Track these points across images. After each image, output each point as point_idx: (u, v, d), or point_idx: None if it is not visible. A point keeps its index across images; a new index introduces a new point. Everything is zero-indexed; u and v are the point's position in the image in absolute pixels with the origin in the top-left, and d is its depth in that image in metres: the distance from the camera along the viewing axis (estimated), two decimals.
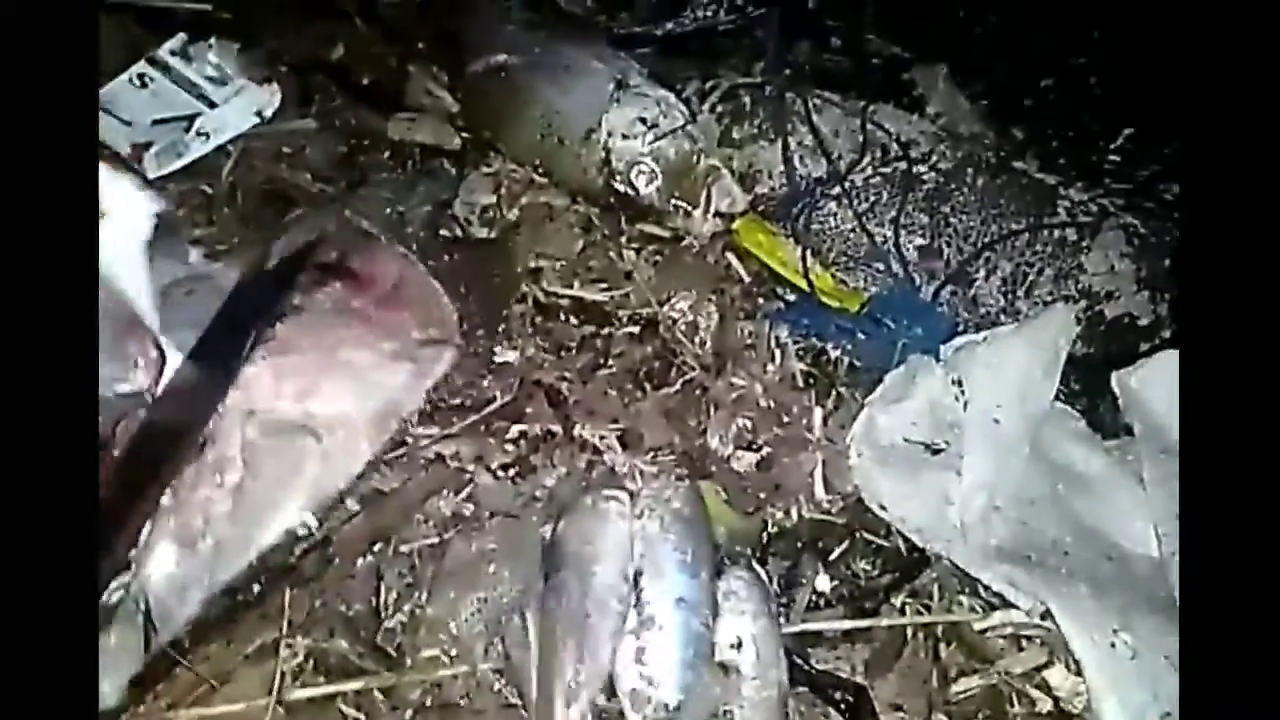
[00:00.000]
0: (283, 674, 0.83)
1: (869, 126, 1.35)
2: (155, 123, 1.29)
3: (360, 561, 0.91)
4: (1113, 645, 0.85)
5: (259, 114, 1.35)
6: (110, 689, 0.78)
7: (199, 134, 1.30)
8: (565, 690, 0.81)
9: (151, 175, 1.26)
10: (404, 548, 0.93)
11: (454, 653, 0.87)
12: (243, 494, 0.87)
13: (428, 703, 0.86)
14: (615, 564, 0.88)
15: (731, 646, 0.86)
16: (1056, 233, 1.29)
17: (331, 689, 0.83)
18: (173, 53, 1.34)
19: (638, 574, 0.89)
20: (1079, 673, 0.89)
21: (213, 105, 1.32)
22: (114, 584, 0.82)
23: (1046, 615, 0.91)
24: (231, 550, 0.86)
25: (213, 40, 1.37)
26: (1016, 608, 0.92)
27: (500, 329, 1.17)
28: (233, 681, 0.82)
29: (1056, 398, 1.15)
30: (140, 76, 1.31)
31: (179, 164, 1.28)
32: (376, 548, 0.92)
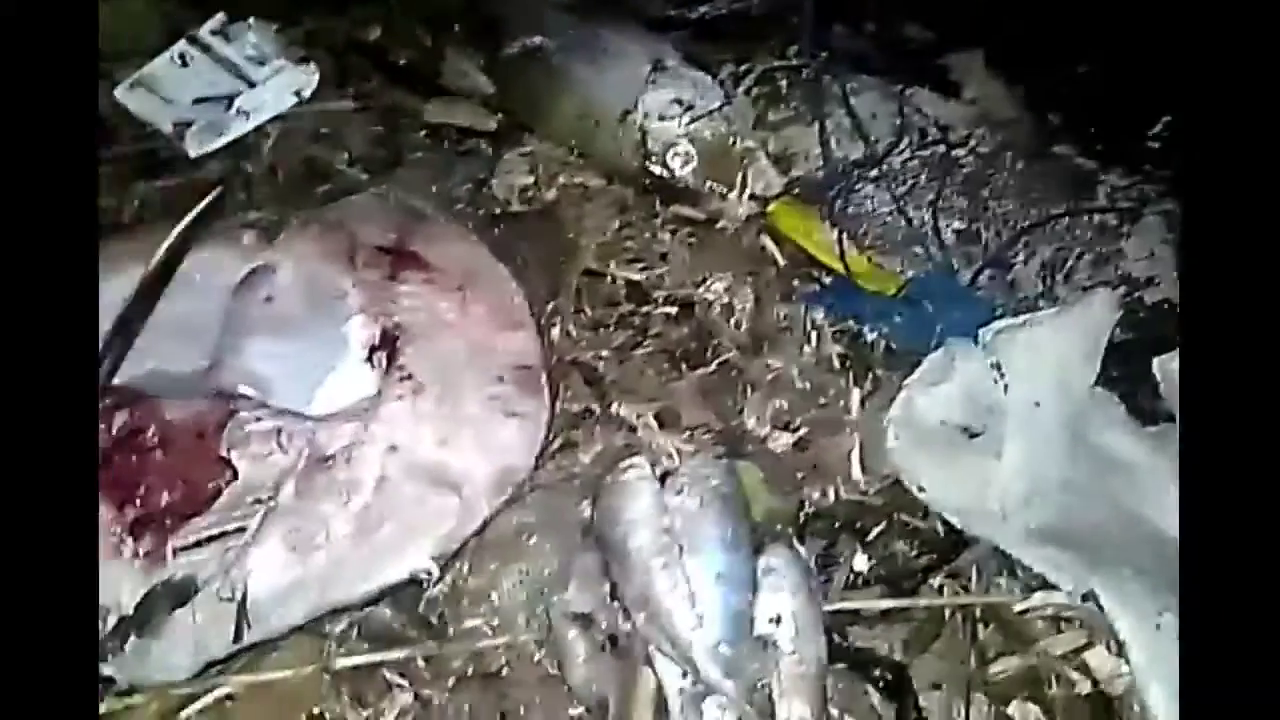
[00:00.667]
0: (330, 641, 0.85)
1: (906, 110, 1.34)
2: (196, 101, 1.31)
3: None
4: (1157, 626, 0.84)
5: (297, 94, 1.37)
6: (180, 663, 0.79)
7: (239, 113, 1.32)
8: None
9: (193, 153, 1.28)
10: None
11: (495, 623, 0.88)
12: (368, 524, 0.88)
13: (469, 672, 0.87)
14: (647, 530, 0.88)
15: (770, 621, 0.86)
16: (1096, 218, 1.28)
17: (377, 657, 0.84)
18: (213, 32, 1.35)
19: (680, 547, 0.89)
20: (1120, 654, 0.88)
21: (252, 85, 1.34)
22: (194, 557, 0.83)
23: (1087, 597, 0.90)
24: (349, 574, 0.86)
25: (251, 20, 1.38)
26: (1057, 589, 0.92)
27: (560, 296, 1.17)
28: (280, 649, 0.83)
29: (1097, 384, 1.14)
30: (181, 55, 1.33)
31: (220, 142, 1.30)
32: None
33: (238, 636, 0.81)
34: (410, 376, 0.96)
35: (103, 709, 0.78)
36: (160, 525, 0.86)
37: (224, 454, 0.89)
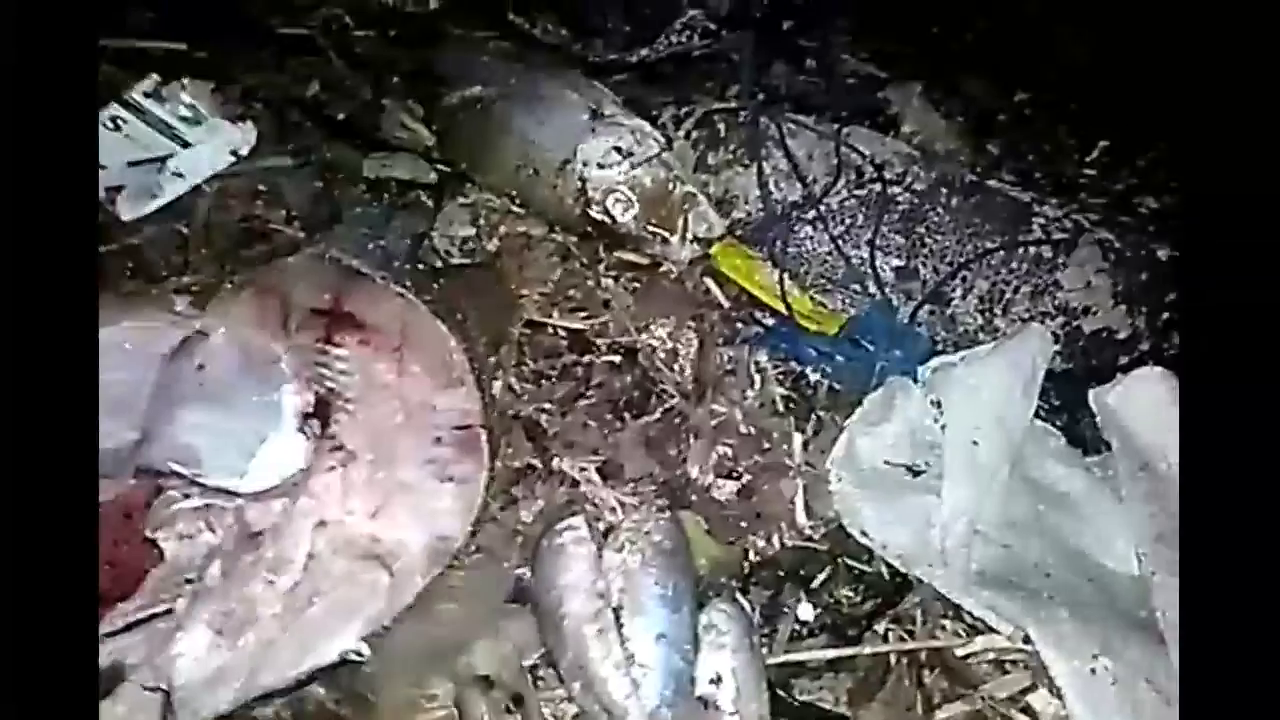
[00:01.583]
0: None
1: (843, 149, 1.35)
2: (130, 165, 1.29)
3: None
4: (1093, 671, 0.85)
5: (234, 152, 1.35)
6: None
7: (174, 174, 1.30)
8: None
9: (125, 217, 1.26)
10: None
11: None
12: (297, 603, 0.86)
13: None
14: (581, 596, 0.88)
15: (711, 682, 0.86)
16: (1032, 250, 1.29)
17: None
18: (145, 94, 1.33)
19: (618, 610, 0.88)
20: (1062, 697, 0.88)
21: (187, 145, 1.32)
22: (126, 642, 0.81)
23: (1027, 640, 0.91)
24: (279, 656, 0.84)
25: (185, 80, 1.37)
26: (999, 633, 0.92)
27: (501, 350, 1.17)
28: None
29: (1036, 414, 1.15)
30: (113, 119, 1.31)
31: (154, 205, 1.28)
32: None
33: None
34: (341, 447, 0.94)
35: None
36: None
37: (150, 535, 0.87)
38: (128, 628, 0.84)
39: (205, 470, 0.93)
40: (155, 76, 1.34)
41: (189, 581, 0.86)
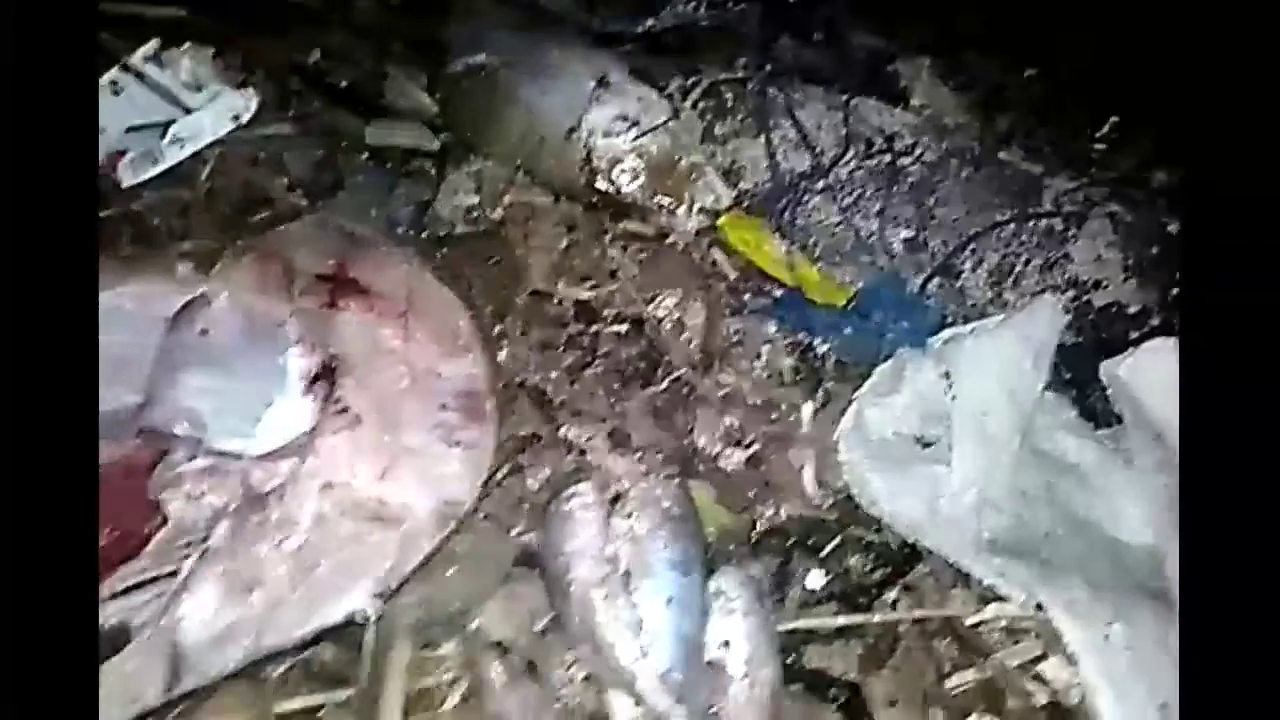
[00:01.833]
0: (268, 685, 0.82)
1: (852, 120, 1.34)
2: (130, 130, 1.27)
3: None
4: (1106, 638, 0.84)
5: (235, 119, 1.33)
6: (117, 714, 0.76)
7: (174, 140, 1.28)
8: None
9: (126, 183, 1.24)
10: None
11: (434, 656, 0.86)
12: (304, 563, 0.85)
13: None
14: (588, 560, 0.87)
15: (720, 646, 0.85)
16: (1043, 223, 1.28)
17: (320, 698, 0.82)
18: (146, 59, 1.31)
19: (627, 574, 0.87)
20: (1075, 664, 0.88)
21: (188, 111, 1.30)
22: (131, 602, 0.80)
23: (1038, 608, 0.90)
24: (287, 616, 0.83)
25: (187, 46, 1.35)
26: (1010, 601, 0.91)
27: (508, 317, 1.15)
28: (218, 695, 0.80)
29: (1047, 387, 1.14)
30: (114, 84, 1.29)
31: (154, 171, 1.26)
32: None
33: (171, 685, 0.78)
34: (347, 410, 0.93)
35: None
36: None
37: (155, 496, 0.86)
38: (133, 588, 0.83)
39: (210, 433, 0.92)
40: (156, 41, 1.32)
41: (193, 544, 0.84)
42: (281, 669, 0.83)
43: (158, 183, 1.26)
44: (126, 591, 0.82)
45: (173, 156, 1.27)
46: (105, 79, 1.29)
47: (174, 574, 0.83)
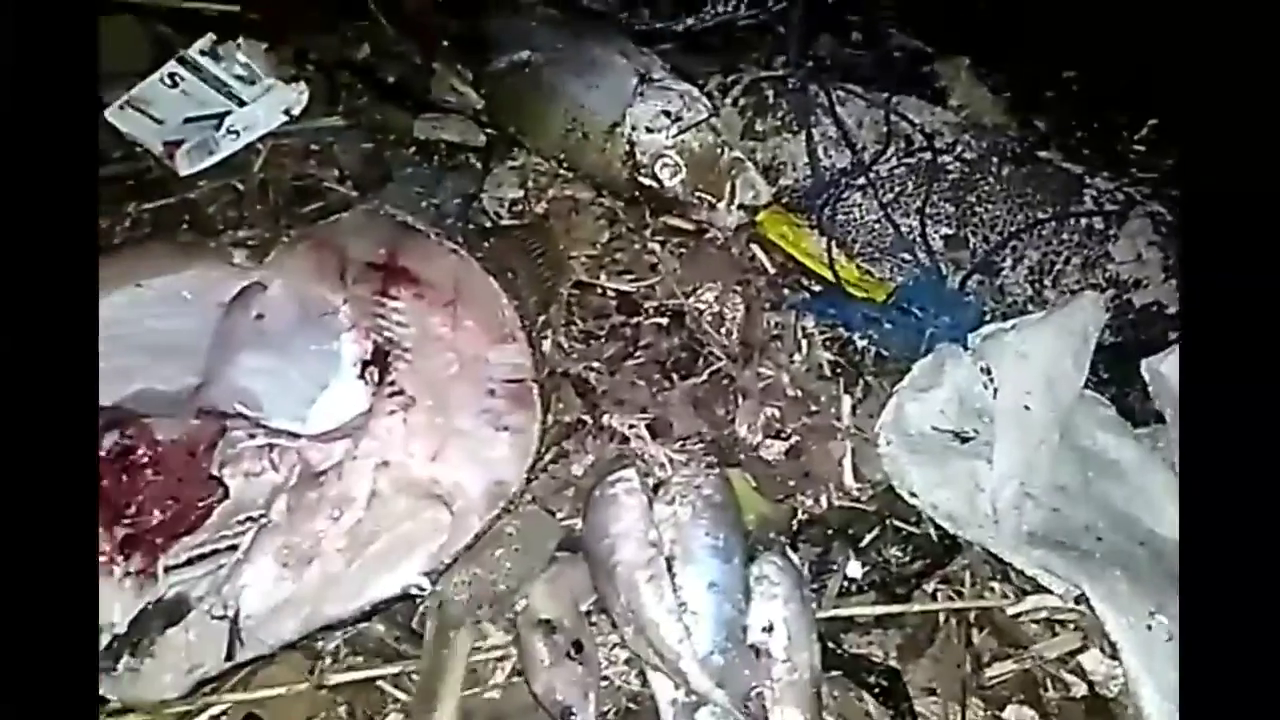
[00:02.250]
0: (321, 657, 0.85)
1: (893, 118, 1.35)
2: (186, 121, 1.31)
3: None
4: (1149, 627, 0.85)
5: (287, 112, 1.37)
6: (173, 681, 0.79)
7: (229, 131, 1.32)
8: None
9: (183, 172, 1.28)
10: None
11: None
12: (360, 539, 0.88)
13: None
14: (633, 544, 0.88)
15: (763, 630, 0.86)
16: (1083, 221, 1.28)
17: (372, 672, 0.84)
18: (202, 52, 1.36)
19: (670, 559, 0.89)
20: (1114, 656, 0.88)
21: (242, 103, 1.34)
22: (186, 575, 0.83)
23: (1080, 600, 0.91)
24: (342, 589, 0.86)
25: (241, 40, 1.39)
26: (1050, 592, 0.92)
27: (551, 308, 1.17)
28: (273, 665, 0.83)
29: (1086, 386, 1.14)
30: (171, 76, 1.33)
31: (210, 161, 1.30)
32: None
33: (230, 654, 0.81)
34: (402, 392, 0.96)
35: None
36: (151, 544, 0.86)
37: (215, 472, 0.89)
38: (190, 561, 0.86)
39: (267, 412, 0.95)
40: (212, 35, 1.36)
41: (252, 519, 0.87)
42: (335, 642, 0.86)
43: (213, 172, 1.30)
44: (189, 563, 0.84)
45: (227, 147, 1.32)
46: (163, 71, 1.33)
47: (233, 548, 0.86)
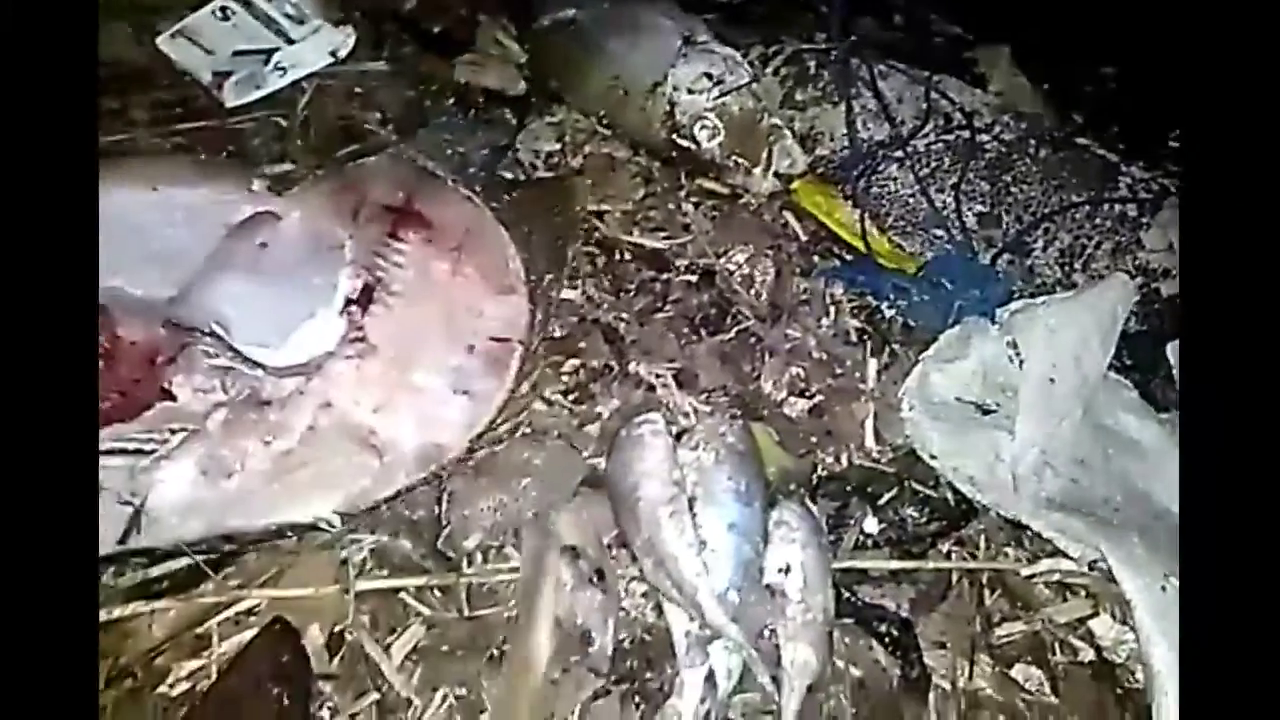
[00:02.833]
0: (349, 565, 0.86)
1: (933, 95, 1.35)
2: (236, 54, 1.33)
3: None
4: (1163, 589, 0.85)
5: (333, 54, 1.39)
6: None
7: (276, 68, 1.34)
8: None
9: (230, 103, 1.30)
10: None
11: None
12: (285, 466, 0.90)
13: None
14: (656, 481, 0.89)
15: (779, 571, 0.87)
16: (1117, 207, 1.28)
17: (396, 582, 0.86)
18: None
19: (691, 500, 0.90)
20: (1124, 622, 0.89)
21: (290, 41, 1.36)
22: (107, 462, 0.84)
23: (1095, 565, 0.91)
24: (255, 506, 0.88)
25: None
26: (1066, 556, 0.93)
27: (563, 268, 1.19)
28: (298, 567, 0.85)
29: (1110, 370, 1.15)
30: (223, 9, 1.35)
31: (256, 95, 1.32)
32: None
33: (124, 539, 0.83)
34: (364, 339, 0.98)
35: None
36: None
37: (166, 385, 0.92)
38: (114, 452, 0.87)
39: (235, 338, 0.96)
40: None
41: (185, 429, 0.89)
42: (362, 553, 0.88)
43: (257, 106, 1.32)
44: (111, 453, 0.86)
45: (274, 83, 1.33)
46: (215, 4, 1.35)
47: (160, 445, 0.88)
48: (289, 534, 0.89)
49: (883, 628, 0.91)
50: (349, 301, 1.02)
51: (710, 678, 0.84)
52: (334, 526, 0.88)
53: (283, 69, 1.34)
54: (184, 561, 0.86)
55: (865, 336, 1.19)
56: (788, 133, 1.35)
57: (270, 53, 1.34)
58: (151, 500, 0.85)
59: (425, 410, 0.97)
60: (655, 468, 0.91)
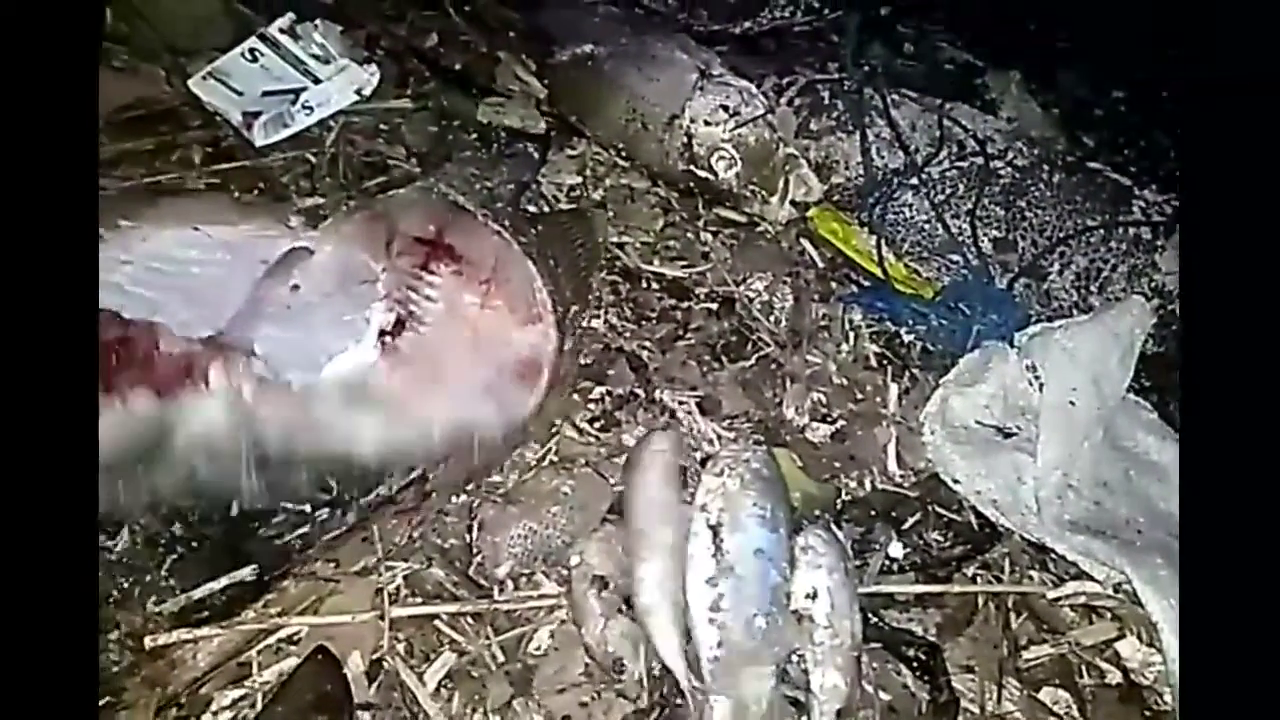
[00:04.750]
0: (384, 593, 0.88)
1: (946, 122, 1.38)
2: (265, 94, 1.37)
3: (455, 499, 0.96)
4: None
5: (359, 92, 1.43)
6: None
7: (304, 107, 1.37)
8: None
9: (259, 143, 1.33)
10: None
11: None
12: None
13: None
14: (657, 475, 0.93)
15: (807, 596, 0.88)
16: (1131, 230, 1.30)
17: (430, 609, 0.87)
18: (281, 30, 1.41)
19: (717, 526, 0.91)
20: (1151, 644, 0.90)
21: (317, 81, 1.39)
22: None
23: (1120, 587, 0.92)
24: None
25: (318, 21, 1.44)
26: (1091, 578, 0.94)
27: (586, 298, 1.21)
28: (337, 594, 0.87)
29: (1129, 392, 1.16)
30: (252, 51, 1.39)
31: (285, 134, 1.35)
32: (470, 487, 0.96)
33: None
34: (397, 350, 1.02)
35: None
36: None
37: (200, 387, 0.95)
38: None
39: (275, 371, 0.99)
40: (291, 15, 1.42)
41: None
42: (396, 581, 0.89)
43: (287, 145, 1.35)
44: None
45: (302, 121, 1.37)
46: (244, 46, 1.39)
47: None
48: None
49: (910, 652, 0.91)
50: (383, 333, 1.05)
51: (740, 704, 0.84)
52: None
53: (310, 108, 1.38)
54: (223, 582, 0.88)
55: (885, 362, 1.21)
56: (803, 162, 1.38)
57: (298, 92, 1.38)
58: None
59: (456, 411, 1.00)
60: (658, 464, 0.95)
